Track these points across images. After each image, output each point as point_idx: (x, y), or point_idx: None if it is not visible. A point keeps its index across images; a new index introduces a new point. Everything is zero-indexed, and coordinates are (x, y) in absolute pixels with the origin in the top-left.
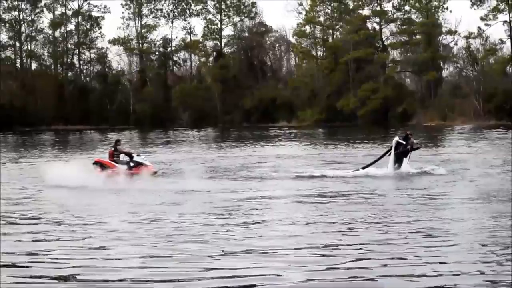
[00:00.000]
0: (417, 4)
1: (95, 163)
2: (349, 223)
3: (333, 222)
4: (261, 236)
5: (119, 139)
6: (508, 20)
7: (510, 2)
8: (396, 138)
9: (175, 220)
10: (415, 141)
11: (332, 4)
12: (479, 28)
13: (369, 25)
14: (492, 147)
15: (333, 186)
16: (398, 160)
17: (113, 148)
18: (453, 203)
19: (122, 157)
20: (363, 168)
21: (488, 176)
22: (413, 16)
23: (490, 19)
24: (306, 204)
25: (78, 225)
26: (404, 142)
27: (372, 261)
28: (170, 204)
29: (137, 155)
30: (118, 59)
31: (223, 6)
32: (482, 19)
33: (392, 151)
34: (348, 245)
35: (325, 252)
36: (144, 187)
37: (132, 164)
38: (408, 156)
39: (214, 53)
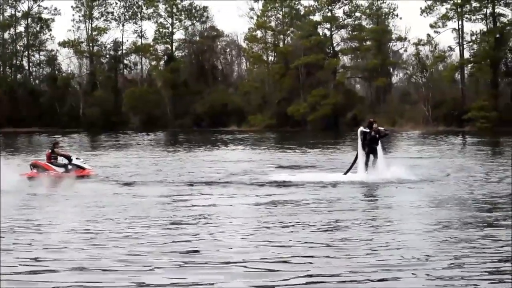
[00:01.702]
0: (367, 10)
1: (32, 165)
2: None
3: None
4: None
5: (57, 141)
6: (457, 28)
7: (459, 10)
8: (361, 128)
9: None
10: (382, 128)
11: (283, 10)
12: (428, 35)
13: (320, 30)
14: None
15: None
16: (372, 151)
17: (50, 150)
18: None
19: (61, 159)
20: (345, 173)
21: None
22: (364, 23)
23: (439, 27)
24: (253, 212)
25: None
26: (367, 130)
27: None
28: (110, 209)
29: (76, 158)
30: (68, 61)
31: (174, 10)
32: (431, 26)
33: (359, 142)
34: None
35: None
36: (85, 191)
37: (70, 167)
38: (378, 143)
39: (165, 56)
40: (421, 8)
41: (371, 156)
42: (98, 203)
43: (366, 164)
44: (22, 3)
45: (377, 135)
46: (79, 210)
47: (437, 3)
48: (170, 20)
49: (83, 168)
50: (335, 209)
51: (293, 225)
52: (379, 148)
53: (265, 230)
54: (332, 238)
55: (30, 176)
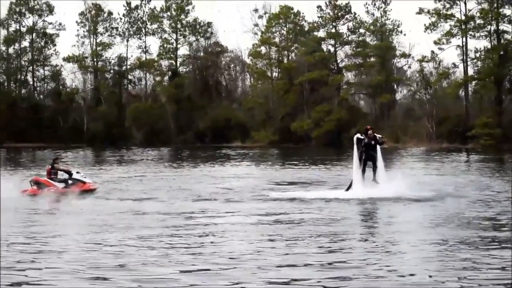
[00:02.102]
0: (371, 27)
1: (32, 181)
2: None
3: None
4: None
5: (57, 157)
6: (461, 45)
7: (463, 27)
8: (357, 135)
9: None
10: (378, 135)
11: (287, 26)
12: (432, 52)
13: (324, 47)
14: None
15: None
16: (370, 158)
17: (50, 166)
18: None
19: (61, 174)
20: (346, 190)
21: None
22: (368, 39)
23: (443, 43)
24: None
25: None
26: (363, 137)
27: None
28: (115, 224)
29: (76, 172)
30: (72, 76)
31: (179, 26)
32: (435, 43)
33: (355, 150)
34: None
35: None
36: (90, 206)
37: (70, 181)
38: (376, 152)
39: (169, 72)
40: (425, 25)
41: (369, 164)
42: (100, 219)
43: (364, 171)
44: (27, 18)
45: (373, 142)
46: (81, 226)
47: (441, 20)
48: (174, 36)
49: (84, 182)
50: (338, 226)
51: (294, 242)
52: (379, 157)
53: (267, 247)
54: (335, 258)
55: (31, 193)
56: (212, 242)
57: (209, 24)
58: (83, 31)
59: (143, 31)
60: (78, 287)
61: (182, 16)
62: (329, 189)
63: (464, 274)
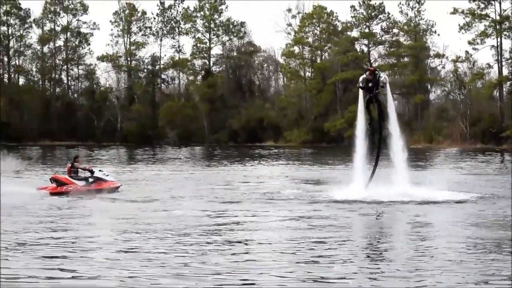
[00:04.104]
0: (405, 27)
1: (52, 179)
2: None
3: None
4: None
5: (78, 155)
6: (495, 45)
7: (497, 27)
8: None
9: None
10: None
11: (320, 25)
12: (466, 52)
13: (357, 47)
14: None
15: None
16: (372, 100)
17: (70, 164)
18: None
19: (82, 172)
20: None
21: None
22: (401, 39)
23: (477, 44)
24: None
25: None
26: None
27: None
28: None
29: (99, 171)
30: (106, 75)
31: (212, 25)
32: (470, 43)
33: (360, 98)
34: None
35: None
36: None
37: (91, 180)
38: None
39: (203, 71)
40: (459, 25)
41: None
42: (131, 218)
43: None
44: (62, 17)
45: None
46: (111, 225)
47: (476, 20)
48: (207, 35)
49: (105, 181)
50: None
51: (324, 243)
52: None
53: (302, 250)
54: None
55: (51, 191)
56: (248, 245)
57: (242, 24)
58: (117, 30)
59: (177, 30)
60: None
61: (216, 16)
62: (361, 188)
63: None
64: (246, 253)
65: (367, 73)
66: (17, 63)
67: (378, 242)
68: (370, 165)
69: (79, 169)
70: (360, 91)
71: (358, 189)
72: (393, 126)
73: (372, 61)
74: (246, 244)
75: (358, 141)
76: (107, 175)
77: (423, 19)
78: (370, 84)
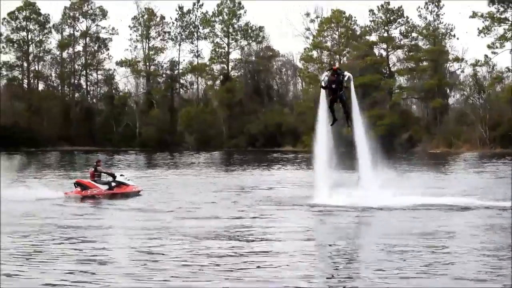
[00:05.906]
0: (424, 31)
1: (76, 183)
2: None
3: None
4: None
5: (100, 160)
6: None
7: None
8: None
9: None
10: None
11: (339, 30)
12: (486, 56)
13: (376, 51)
14: None
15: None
16: (336, 99)
17: (93, 169)
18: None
19: (104, 177)
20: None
21: None
22: (420, 43)
23: (497, 47)
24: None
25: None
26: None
27: None
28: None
29: (120, 175)
30: (125, 81)
31: (230, 30)
32: (489, 47)
33: (322, 97)
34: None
35: None
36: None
37: (113, 184)
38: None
39: (221, 76)
40: (478, 29)
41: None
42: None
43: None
44: (81, 22)
45: (334, 86)
46: (131, 229)
47: (495, 24)
48: (226, 40)
49: (127, 185)
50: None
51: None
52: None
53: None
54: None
55: (75, 194)
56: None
57: (260, 28)
58: (136, 35)
59: (195, 35)
60: None
61: (234, 20)
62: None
63: None
64: (261, 261)
65: (329, 72)
66: (37, 69)
67: (377, 245)
68: (333, 170)
69: (102, 173)
70: (322, 91)
71: (321, 195)
72: (358, 127)
73: (391, 65)
74: (261, 253)
75: (318, 146)
76: (128, 180)
77: (442, 23)
78: (333, 86)
